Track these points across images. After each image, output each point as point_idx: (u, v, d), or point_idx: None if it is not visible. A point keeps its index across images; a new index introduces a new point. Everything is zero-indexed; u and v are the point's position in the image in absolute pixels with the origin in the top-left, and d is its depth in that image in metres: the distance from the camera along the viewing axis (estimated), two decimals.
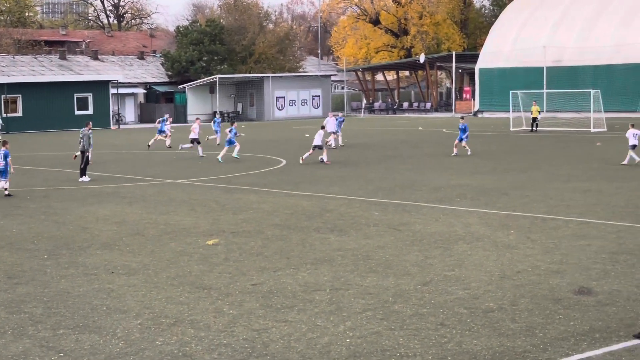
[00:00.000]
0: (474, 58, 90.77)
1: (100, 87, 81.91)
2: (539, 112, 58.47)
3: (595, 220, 21.28)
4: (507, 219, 21.84)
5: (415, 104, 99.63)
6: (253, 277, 15.92)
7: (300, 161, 38.03)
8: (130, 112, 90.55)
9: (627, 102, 74.00)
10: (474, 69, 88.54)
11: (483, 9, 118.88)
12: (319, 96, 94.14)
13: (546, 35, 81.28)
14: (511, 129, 59.88)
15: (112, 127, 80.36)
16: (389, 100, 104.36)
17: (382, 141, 51.23)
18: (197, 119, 47.41)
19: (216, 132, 51.87)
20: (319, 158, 38.22)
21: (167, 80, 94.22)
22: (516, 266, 16.25)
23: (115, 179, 33.83)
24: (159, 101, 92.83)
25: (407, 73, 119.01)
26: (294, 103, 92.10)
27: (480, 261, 16.77)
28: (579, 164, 35.18)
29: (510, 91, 65.43)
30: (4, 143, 29.10)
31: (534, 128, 57.07)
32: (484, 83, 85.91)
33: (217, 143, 49.98)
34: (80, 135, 33.43)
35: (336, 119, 47.67)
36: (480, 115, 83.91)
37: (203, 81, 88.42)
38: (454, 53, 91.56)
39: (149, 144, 49.96)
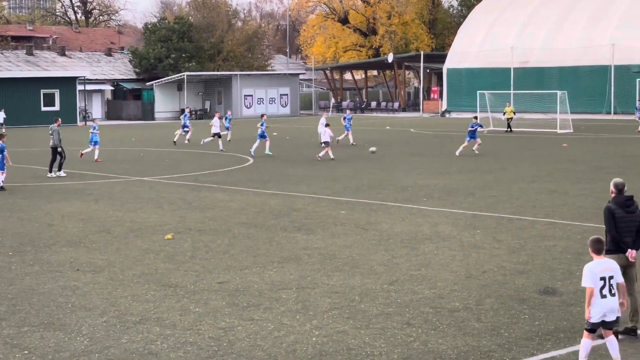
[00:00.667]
0: (442, 58, 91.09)
1: (67, 84, 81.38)
2: (514, 113, 58.58)
3: (560, 221, 21.44)
4: (474, 219, 21.94)
5: (383, 104, 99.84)
6: (219, 275, 15.89)
7: (318, 158, 38.74)
8: (97, 109, 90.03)
9: (593, 104, 74.57)
10: (441, 69, 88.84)
11: (451, 9, 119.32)
12: (287, 95, 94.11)
13: (514, 37, 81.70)
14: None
15: (79, 123, 79.83)
16: (357, 99, 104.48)
17: (349, 140, 51.23)
18: (217, 112, 48.21)
19: (186, 126, 51.80)
20: (316, 155, 39.04)
21: (134, 77, 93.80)
22: (482, 266, 16.33)
23: (82, 175, 33.63)
24: (126, 98, 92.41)
25: (375, 72, 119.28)
26: (262, 101, 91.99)
27: (446, 261, 16.84)
28: (545, 165, 35.41)
29: (478, 91, 65.73)
30: (1, 136, 29.49)
31: (510, 129, 57.13)
32: (451, 83, 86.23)
33: (188, 139, 50.32)
34: (50, 132, 33.42)
35: (344, 117, 48.66)
36: (447, 116, 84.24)
37: (171, 78, 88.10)
38: (422, 53, 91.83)
39: (175, 140, 50.28)
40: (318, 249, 18.21)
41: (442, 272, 15.84)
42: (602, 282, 10.53)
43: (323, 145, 39.41)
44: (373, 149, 41.95)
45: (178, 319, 13.05)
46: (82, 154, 39.56)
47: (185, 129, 51.66)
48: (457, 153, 39.74)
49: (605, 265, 10.66)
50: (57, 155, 33.24)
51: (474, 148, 40.69)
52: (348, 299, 14.09)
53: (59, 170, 33.42)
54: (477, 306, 13.56)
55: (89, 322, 12.94)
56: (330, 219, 22.18)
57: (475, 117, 42.92)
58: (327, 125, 40.78)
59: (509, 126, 57.35)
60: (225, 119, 53.21)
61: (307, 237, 19.66)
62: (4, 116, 70.61)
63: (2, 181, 29.07)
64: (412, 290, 14.56)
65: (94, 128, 39.93)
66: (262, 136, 41.33)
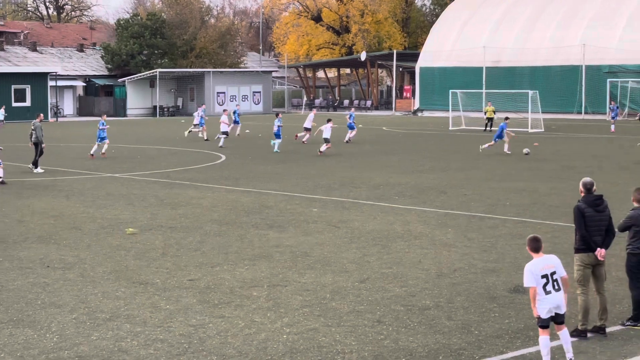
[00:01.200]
0: (414, 57, 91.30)
1: (38, 79, 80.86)
2: (494, 112, 58.44)
3: (531, 219, 21.56)
4: (445, 217, 22.02)
5: (356, 102, 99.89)
6: (191, 272, 15.86)
7: (319, 153, 39.89)
8: (68, 105, 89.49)
9: (564, 104, 75.04)
10: (414, 67, 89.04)
11: (424, 8, 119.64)
12: (259, 92, 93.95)
13: (486, 36, 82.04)
14: (450, 128, 60.33)
15: (50, 119, 79.32)
16: (330, 97, 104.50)
17: (322, 138, 51.21)
18: (237, 105, 48.42)
19: (201, 124, 52.04)
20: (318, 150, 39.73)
21: (106, 73, 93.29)
22: (453, 264, 16.40)
23: (53, 172, 33.44)
24: (98, 94, 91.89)
25: (348, 71, 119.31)
26: (234, 98, 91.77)
27: (417, 259, 16.90)
28: (516, 163, 35.58)
29: (450, 90, 65.95)
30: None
31: (490, 128, 56.98)
32: (424, 82, 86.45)
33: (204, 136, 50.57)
34: (32, 127, 33.48)
35: (350, 116, 49.23)
36: (420, 114, 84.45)
37: (143, 75, 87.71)
38: (395, 51, 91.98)
39: (205, 138, 49.85)
40: (290, 246, 18.21)
41: (414, 270, 15.89)
42: (544, 280, 10.69)
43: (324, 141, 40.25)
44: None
45: (148, 316, 13.01)
46: (91, 155, 39.06)
47: (200, 125, 51.83)
48: (481, 149, 40.17)
49: (545, 263, 10.80)
50: (37, 150, 33.20)
51: (505, 150, 40.08)
52: (319, 296, 14.10)
53: (36, 167, 33.27)
54: (448, 304, 13.61)
55: (59, 319, 12.88)
56: (302, 216, 22.18)
57: (507, 118, 42.05)
58: (329, 120, 41.46)
59: (490, 125, 57.16)
60: (234, 112, 53.69)
61: (278, 234, 19.65)
62: (4, 113, 69.75)
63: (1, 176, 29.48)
64: (383, 288, 14.59)
65: (102, 124, 39.46)
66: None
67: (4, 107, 71.32)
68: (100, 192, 27.40)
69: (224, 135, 45.72)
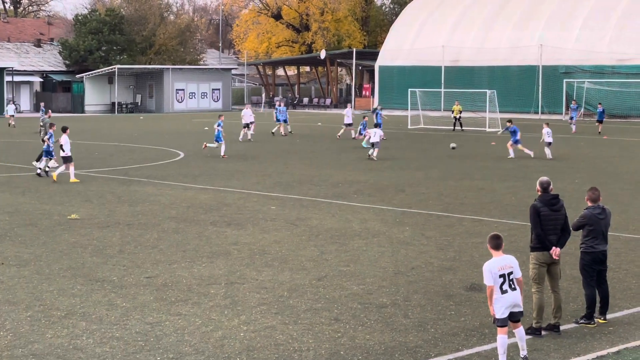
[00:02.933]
0: (374, 55, 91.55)
1: None
2: (460, 112, 58.45)
3: (488, 218, 21.71)
4: (403, 215, 22.11)
5: (315, 100, 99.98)
6: (148, 269, 15.80)
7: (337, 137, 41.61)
8: (25, 101, 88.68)
9: (522, 103, 75.62)
10: (374, 66, 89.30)
11: (384, 7, 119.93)
12: (219, 89, 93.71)
13: (445, 35, 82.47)
14: (409, 126, 60.54)
15: (7, 115, 78.44)
16: (289, 95, 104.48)
17: (280, 136, 51.28)
18: (247, 104, 49.13)
19: (281, 120, 51.85)
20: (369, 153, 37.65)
21: (64, 69, 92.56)
22: (410, 262, 16.48)
23: (8, 168, 33.13)
24: (55, 90, 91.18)
25: (307, 69, 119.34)
26: (193, 95, 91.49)
27: (375, 257, 16.95)
28: (474, 162, 35.81)
29: (409, 89, 66.20)
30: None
31: (460, 127, 57.00)
32: (383, 81, 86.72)
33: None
34: (42, 123, 33.53)
35: (376, 112, 49.45)
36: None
37: (101, 71, 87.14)
38: (354, 50, 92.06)
39: (249, 138, 48.24)
40: (248, 244, 18.20)
41: (371, 268, 15.95)
42: (501, 279, 10.82)
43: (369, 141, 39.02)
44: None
45: (105, 313, 12.94)
46: (205, 145, 39.46)
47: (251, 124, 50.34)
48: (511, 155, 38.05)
49: (504, 262, 10.91)
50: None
51: (526, 151, 37.77)
52: (277, 294, 14.11)
53: (38, 161, 32.47)
54: (404, 302, 13.68)
55: (13, 316, 12.77)
56: (261, 214, 22.17)
57: (510, 121, 39.50)
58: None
59: (460, 124, 57.21)
60: (276, 110, 53.03)
61: (237, 232, 19.63)
62: (15, 108, 68.35)
63: (48, 167, 30.24)
64: (340, 286, 14.63)
65: (219, 125, 38.36)
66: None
67: (13, 102, 70.38)
68: (57, 188, 27.18)
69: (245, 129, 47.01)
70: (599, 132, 52.84)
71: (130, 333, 12.00)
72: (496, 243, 11.05)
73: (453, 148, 40.52)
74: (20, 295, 14.00)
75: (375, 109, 49.89)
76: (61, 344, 11.52)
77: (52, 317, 12.73)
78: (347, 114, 48.39)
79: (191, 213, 22.33)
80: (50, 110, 35.52)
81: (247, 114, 47.02)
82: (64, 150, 29.03)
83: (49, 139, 30.18)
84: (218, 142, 37.58)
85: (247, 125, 46.98)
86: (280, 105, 53.07)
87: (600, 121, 54.42)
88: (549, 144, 37.58)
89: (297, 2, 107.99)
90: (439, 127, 59.35)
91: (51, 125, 31.21)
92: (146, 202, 24.15)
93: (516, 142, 37.97)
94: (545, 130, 37.80)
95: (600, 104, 57.82)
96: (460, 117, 57.76)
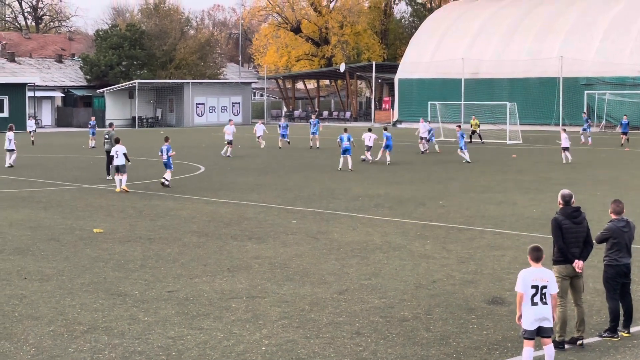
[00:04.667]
0: (393, 68, 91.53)
1: (16, 90, 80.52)
2: (478, 126, 58.48)
3: (509, 231, 21.63)
4: (424, 228, 22.06)
5: (335, 113, 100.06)
6: (169, 284, 15.82)
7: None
8: (47, 116, 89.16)
9: (542, 115, 75.39)
10: (393, 79, 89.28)
11: (403, 20, 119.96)
12: (239, 103, 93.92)
13: (464, 48, 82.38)
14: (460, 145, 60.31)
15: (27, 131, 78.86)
16: (309, 108, 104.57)
17: (301, 149, 51.37)
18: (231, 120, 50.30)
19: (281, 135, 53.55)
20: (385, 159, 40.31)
21: (85, 84, 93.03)
22: (432, 276, 16.43)
23: (31, 183, 33.30)
24: (76, 105, 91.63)
25: (327, 82, 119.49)
26: (213, 110, 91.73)
27: (396, 270, 16.92)
28: (494, 175, 35.71)
29: (429, 102, 66.12)
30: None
31: (480, 140, 57.02)
32: (403, 93, 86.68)
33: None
34: (107, 136, 34.78)
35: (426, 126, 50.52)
36: (399, 126, 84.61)
37: (122, 86, 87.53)
38: (374, 63, 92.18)
39: (317, 146, 51.66)
40: (268, 258, 18.20)
41: (392, 282, 15.91)
42: (533, 290, 10.79)
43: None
44: (363, 157, 42.07)
45: (127, 328, 12.97)
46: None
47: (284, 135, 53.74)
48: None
49: (540, 275, 10.88)
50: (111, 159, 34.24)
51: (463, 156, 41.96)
52: (298, 308, 14.09)
53: (109, 174, 34.22)
54: (426, 316, 13.63)
55: (36, 331, 12.81)
56: (281, 228, 22.18)
57: (459, 126, 43.31)
58: (369, 130, 42.78)
59: (479, 137, 57.29)
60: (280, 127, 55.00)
61: (257, 246, 19.64)
62: (34, 122, 68.48)
63: (168, 179, 31.62)
64: (362, 300, 14.60)
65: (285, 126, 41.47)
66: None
67: (32, 118, 70.69)
68: (79, 203, 27.29)
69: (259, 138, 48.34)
70: (622, 144, 52.50)
71: (152, 347, 12.01)
72: (537, 255, 11.03)
73: (363, 160, 42.24)
74: (42, 309, 14.04)
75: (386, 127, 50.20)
76: (84, 358, 11.54)
77: (74, 332, 12.76)
78: (368, 138, 47.68)
79: (212, 227, 22.36)
80: (113, 124, 36.99)
81: (229, 130, 46.64)
82: (117, 157, 30.47)
83: (164, 153, 31.72)
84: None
85: (230, 142, 46.33)
86: (282, 122, 55.18)
87: (624, 133, 54.07)
88: (566, 148, 40.80)
89: (316, 15, 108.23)
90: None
91: (166, 138, 32.83)
92: (167, 217, 24.20)
93: (461, 148, 42.24)
94: (564, 135, 41.22)
95: (625, 115, 57.53)
96: (477, 131, 57.71)
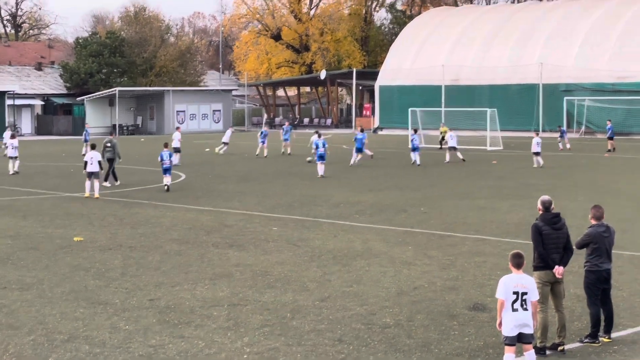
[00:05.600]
0: (374, 75, 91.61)
1: None
2: (446, 132, 58.67)
3: (490, 237, 21.68)
4: (405, 235, 22.08)
5: (316, 120, 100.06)
6: (150, 292, 15.77)
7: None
8: (26, 124, 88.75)
9: (522, 122, 75.57)
10: (374, 86, 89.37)
11: (383, 27, 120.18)
12: (219, 110, 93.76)
13: (445, 55, 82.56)
14: (410, 145, 60.41)
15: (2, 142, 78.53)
16: (290, 115, 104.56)
17: (282, 156, 51.36)
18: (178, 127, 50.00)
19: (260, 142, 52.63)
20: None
21: (65, 92, 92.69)
22: (413, 282, 16.44)
23: (10, 191, 33.13)
24: (56, 113, 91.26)
25: (308, 89, 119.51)
26: (194, 117, 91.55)
27: (378, 277, 16.92)
28: (475, 181, 35.79)
29: (410, 109, 66.21)
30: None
31: (440, 146, 57.38)
32: (383, 100, 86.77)
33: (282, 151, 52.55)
34: (110, 145, 35.43)
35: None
36: (380, 132, 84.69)
37: (102, 93, 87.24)
38: (354, 70, 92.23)
39: (288, 152, 52.22)
40: (250, 265, 18.17)
41: (374, 289, 15.91)
42: (514, 296, 10.84)
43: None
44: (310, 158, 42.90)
45: (107, 336, 12.91)
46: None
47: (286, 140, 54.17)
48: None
49: (521, 281, 10.93)
50: (112, 166, 35.40)
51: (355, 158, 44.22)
52: (279, 315, 14.07)
53: (106, 180, 34.68)
54: (408, 322, 13.64)
55: (16, 340, 12.73)
56: (262, 235, 22.15)
57: (362, 130, 45.87)
58: (317, 133, 42.82)
59: (440, 143, 57.63)
60: (284, 131, 55.47)
61: (239, 253, 19.60)
62: (11, 135, 67.99)
63: (169, 183, 32.95)
64: (343, 307, 14.59)
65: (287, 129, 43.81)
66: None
67: (9, 128, 70.13)
68: (59, 211, 27.18)
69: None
70: (609, 150, 52.53)
71: (133, 356, 11.96)
72: (518, 262, 11.09)
73: (309, 161, 43.57)
74: (22, 319, 13.96)
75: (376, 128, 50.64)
76: None
77: (55, 341, 12.69)
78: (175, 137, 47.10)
79: (193, 235, 22.31)
80: (115, 132, 37.61)
81: (177, 137, 46.30)
82: (91, 164, 30.84)
83: (166, 159, 32.58)
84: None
85: (177, 150, 45.52)
86: (264, 129, 54.84)
87: (610, 138, 54.14)
88: (537, 153, 41.75)
89: (296, 22, 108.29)
90: (437, 146, 59.27)
91: (166, 144, 33.86)
92: (148, 224, 24.13)
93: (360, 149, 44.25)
94: (535, 139, 42.31)
95: (609, 120, 57.75)
96: (446, 137, 57.98)
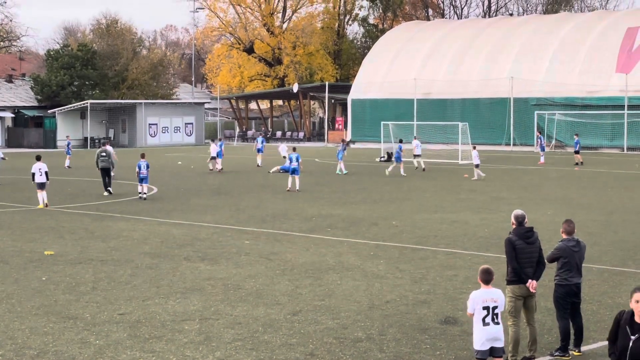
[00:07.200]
0: (346, 89, 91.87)
1: None
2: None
3: (461, 251, 21.75)
4: (377, 249, 22.11)
5: (289, 133, 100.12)
6: (121, 306, 15.68)
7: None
8: None
9: (494, 135, 76.06)
10: (346, 99, 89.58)
11: (355, 41, 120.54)
12: (192, 123, 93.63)
13: (417, 68, 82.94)
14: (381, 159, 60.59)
15: None
16: (263, 129, 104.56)
17: (254, 170, 51.30)
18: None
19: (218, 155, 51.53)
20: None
21: (36, 104, 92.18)
22: (385, 296, 16.46)
23: None
24: (27, 125, 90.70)
25: (280, 102, 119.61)
26: (166, 130, 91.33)
27: (350, 291, 16.92)
28: (446, 195, 35.91)
29: (382, 122, 66.39)
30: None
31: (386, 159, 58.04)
32: (355, 114, 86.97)
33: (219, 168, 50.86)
34: (104, 154, 36.25)
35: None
36: (352, 146, 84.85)
37: (74, 106, 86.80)
38: (327, 83, 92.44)
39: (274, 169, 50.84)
40: (222, 279, 18.12)
41: (346, 302, 15.91)
42: (485, 312, 10.89)
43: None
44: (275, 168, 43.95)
45: (77, 352, 12.82)
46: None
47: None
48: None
49: (490, 295, 11.00)
50: (108, 175, 36.21)
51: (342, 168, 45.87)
52: (251, 329, 14.04)
53: (111, 187, 36.17)
54: (379, 336, 13.65)
55: None
56: (235, 249, 22.11)
57: (343, 140, 46.08)
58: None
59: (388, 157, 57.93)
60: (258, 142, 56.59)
61: (210, 267, 19.55)
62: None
63: (145, 192, 34.57)
64: (315, 321, 14.58)
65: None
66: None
67: None
68: (29, 225, 27.00)
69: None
70: (577, 163, 52.92)
71: None
72: (486, 278, 11.15)
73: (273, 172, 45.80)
74: None
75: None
76: None
77: (24, 356, 12.59)
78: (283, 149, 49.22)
79: (165, 248, 22.23)
80: (109, 141, 38.65)
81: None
82: (40, 175, 31.97)
83: (143, 169, 33.90)
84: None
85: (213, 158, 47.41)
86: (220, 141, 54.92)
87: (577, 152, 54.55)
88: (477, 165, 44.14)
89: (269, 36, 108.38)
90: (412, 160, 59.41)
91: (143, 155, 35.18)
92: (119, 238, 24.02)
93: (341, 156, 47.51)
94: (474, 152, 44.80)
95: (577, 134, 58.20)
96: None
